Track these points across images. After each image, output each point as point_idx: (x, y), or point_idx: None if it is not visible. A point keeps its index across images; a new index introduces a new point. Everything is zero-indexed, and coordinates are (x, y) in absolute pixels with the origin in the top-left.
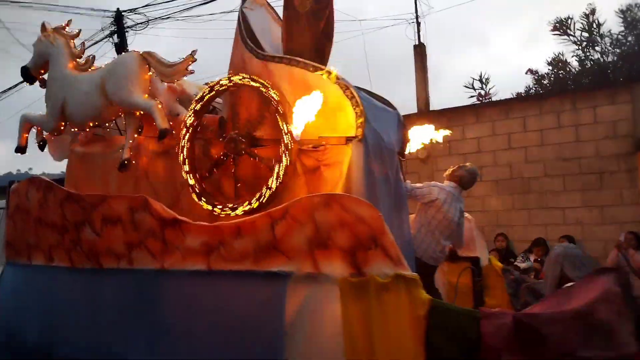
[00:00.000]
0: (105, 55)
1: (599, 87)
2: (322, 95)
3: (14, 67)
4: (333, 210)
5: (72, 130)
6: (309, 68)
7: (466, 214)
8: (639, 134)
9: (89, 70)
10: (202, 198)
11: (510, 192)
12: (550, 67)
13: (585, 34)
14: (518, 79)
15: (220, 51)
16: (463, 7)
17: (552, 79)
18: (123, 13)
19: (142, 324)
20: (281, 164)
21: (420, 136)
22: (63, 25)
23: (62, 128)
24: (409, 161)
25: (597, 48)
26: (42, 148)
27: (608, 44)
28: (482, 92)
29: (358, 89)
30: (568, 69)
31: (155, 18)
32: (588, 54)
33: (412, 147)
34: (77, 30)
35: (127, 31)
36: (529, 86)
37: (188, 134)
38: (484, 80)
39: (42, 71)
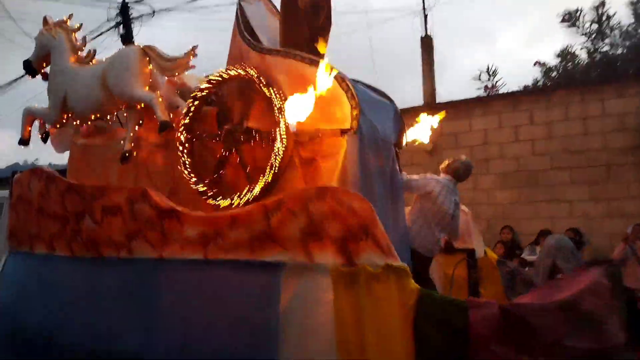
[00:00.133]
0: (110, 46)
1: (608, 80)
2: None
3: (20, 58)
4: (326, 202)
5: (74, 123)
6: (306, 61)
7: (462, 207)
8: None
9: (91, 63)
10: (211, 198)
11: (517, 185)
12: (559, 60)
13: (595, 26)
14: (526, 72)
15: (226, 42)
16: None
17: (560, 71)
18: (129, 4)
19: (141, 312)
20: (278, 151)
21: (422, 129)
22: (65, 18)
23: (64, 121)
24: (415, 153)
25: (606, 40)
26: (44, 140)
27: (618, 37)
28: (490, 85)
29: (354, 81)
30: (577, 62)
31: (161, 9)
32: (597, 46)
33: (421, 139)
34: (78, 24)
35: (132, 22)
36: (537, 79)
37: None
38: (491, 73)
39: (44, 64)
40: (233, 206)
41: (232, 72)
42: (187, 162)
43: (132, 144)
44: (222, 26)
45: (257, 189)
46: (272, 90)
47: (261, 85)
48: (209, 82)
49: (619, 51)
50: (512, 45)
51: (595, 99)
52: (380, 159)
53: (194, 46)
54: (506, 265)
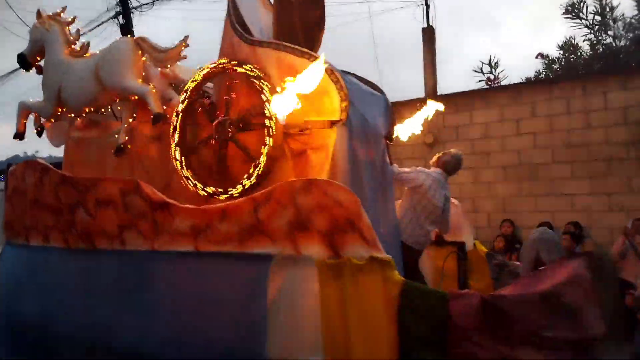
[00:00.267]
0: (110, 36)
1: (611, 73)
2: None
3: (19, 47)
4: (313, 194)
5: (69, 115)
6: (296, 53)
7: (453, 200)
8: None
9: (84, 56)
10: (198, 185)
11: (518, 179)
12: (561, 52)
13: (598, 18)
14: (528, 64)
15: None
16: None
17: (562, 63)
18: None
19: (133, 302)
20: (265, 149)
21: (417, 120)
22: (58, 11)
23: (59, 114)
24: (416, 146)
25: (609, 32)
26: (39, 134)
27: (621, 28)
28: (491, 77)
29: (345, 73)
30: (579, 54)
31: None
32: (600, 38)
33: (415, 131)
34: (72, 17)
35: (132, 12)
36: (539, 71)
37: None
38: (493, 65)
39: (39, 58)
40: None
41: (223, 64)
42: (187, 173)
43: (127, 137)
44: (222, 16)
45: (247, 183)
46: (262, 83)
47: (251, 78)
48: (200, 74)
49: (622, 43)
50: (514, 37)
51: (598, 91)
52: (370, 150)
53: (185, 37)
54: (495, 257)
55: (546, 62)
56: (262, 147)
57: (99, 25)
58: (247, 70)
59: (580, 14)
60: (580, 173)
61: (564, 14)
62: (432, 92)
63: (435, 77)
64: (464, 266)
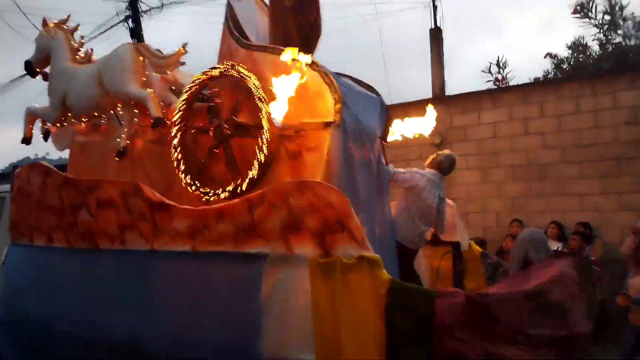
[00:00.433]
0: (120, 40)
1: (620, 72)
2: (302, 82)
3: (30, 51)
4: (305, 196)
5: (74, 121)
6: None
7: (448, 201)
8: None
9: (88, 62)
10: (199, 190)
11: (527, 179)
12: (570, 51)
13: (607, 17)
14: (537, 64)
15: None
16: None
17: (571, 63)
18: None
19: (132, 300)
20: (262, 148)
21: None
22: (63, 19)
23: (64, 119)
24: (423, 147)
25: (619, 31)
26: (45, 138)
27: (631, 27)
28: (500, 77)
29: (341, 75)
30: (588, 53)
31: (170, 2)
32: (609, 37)
33: (409, 134)
34: (76, 25)
35: (141, 16)
36: (548, 71)
37: (179, 134)
38: (501, 65)
39: (44, 65)
40: (220, 198)
41: (221, 69)
42: (178, 157)
43: (128, 141)
44: None
45: (244, 184)
46: (257, 87)
47: (248, 82)
48: (199, 79)
49: (632, 42)
50: (522, 37)
51: (607, 91)
52: (365, 151)
53: (184, 44)
54: (489, 257)
55: (555, 62)
56: (257, 149)
57: (109, 29)
58: (240, 73)
59: (590, 13)
60: (590, 173)
61: (573, 13)
62: (439, 92)
63: (443, 78)
64: (459, 266)
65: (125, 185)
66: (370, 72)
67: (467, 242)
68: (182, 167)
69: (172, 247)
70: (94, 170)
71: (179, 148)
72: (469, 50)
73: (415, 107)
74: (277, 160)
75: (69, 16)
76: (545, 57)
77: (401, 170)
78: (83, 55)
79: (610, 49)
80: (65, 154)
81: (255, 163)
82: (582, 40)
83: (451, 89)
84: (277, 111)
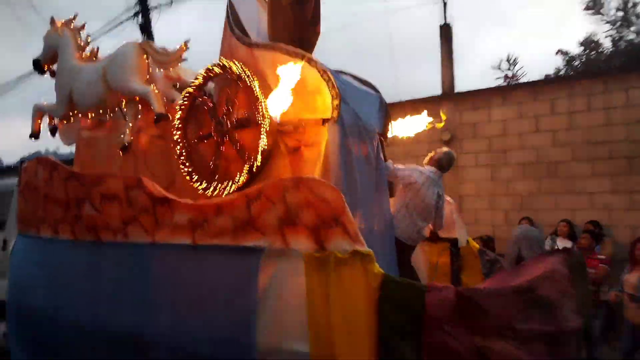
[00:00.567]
0: (130, 36)
1: (632, 69)
2: (302, 79)
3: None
4: (301, 191)
5: (80, 117)
6: (290, 53)
7: (447, 198)
8: None
9: (93, 60)
10: (198, 182)
11: (537, 177)
12: (582, 48)
13: (620, 13)
14: (548, 61)
15: None
16: None
17: (583, 60)
18: None
19: (134, 292)
20: (259, 149)
21: (415, 124)
22: (70, 18)
23: (70, 115)
24: (432, 143)
25: (632, 28)
26: (52, 134)
27: None
28: (510, 74)
29: (340, 72)
30: (600, 50)
31: None
32: (622, 34)
33: (404, 133)
34: (82, 23)
35: (151, 11)
36: (559, 67)
37: (180, 131)
38: (511, 61)
39: (52, 62)
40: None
41: (220, 66)
42: (185, 163)
43: (132, 136)
44: None
45: (242, 178)
46: (255, 84)
47: (247, 79)
48: (201, 75)
49: None
50: (533, 34)
51: (619, 88)
52: (364, 147)
53: (186, 41)
54: (486, 254)
55: (566, 58)
56: (257, 145)
57: (119, 24)
58: (240, 70)
59: (602, 10)
60: (601, 171)
61: (586, 9)
62: (449, 89)
63: (453, 75)
64: (457, 262)
65: (128, 179)
66: (379, 69)
67: (465, 238)
68: (190, 170)
69: (173, 240)
70: (99, 164)
71: (184, 149)
72: (480, 47)
73: (425, 104)
74: (277, 155)
75: (75, 15)
76: (556, 53)
77: (400, 166)
78: (89, 53)
79: (623, 45)
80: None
81: (259, 153)
82: (594, 36)
83: (461, 85)
84: (276, 108)
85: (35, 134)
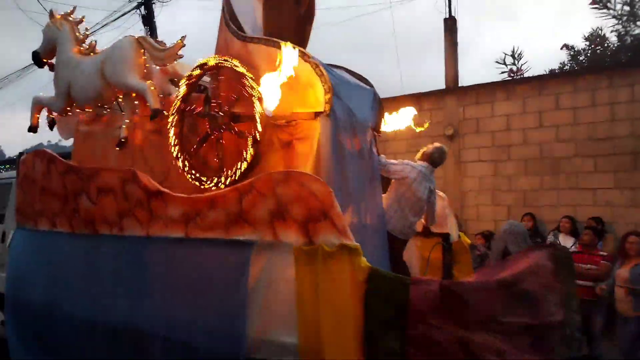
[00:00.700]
0: (132, 28)
1: (638, 64)
2: (294, 73)
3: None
4: (291, 185)
5: (78, 110)
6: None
7: (440, 192)
8: None
9: (92, 54)
10: (191, 175)
11: (540, 172)
12: (587, 43)
13: (627, 8)
14: (553, 55)
15: None
16: None
17: (588, 55)
18: None
19: (129, 284)
20: (251, 140)
21: (402, 118)
22: (69, 11)
23: (69, 109)
24: (435, 138)
25: (638, 23)
26: (51, 127)
27: None
28: (514, 68)
29: (333, 67)
30: (606, 45)
31: None
32: (628, 29)
33: (392, 127)
34: (81, 17)
35: (154, 3)
36: (564, 62)
37: (175, 119)
38: (516, 56)
39: (51, 55)
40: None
41: (215, 61)
42: (175, 143)
43: (128, 131)
44: None
45: (237, 172)
46: (248, 78)
47: (240, 73)
48: (196, 70)
49: None
50: (538, 28)
51: (624, 84)
52: (357, 141)
53: (183, 37)
54: (477, 249)
55: (571, 53)
56: (249, 139)
57: (121, 16)
58: (233, 65)
59: (608, 4)
60: (604, 167)
61: (591, 4)
62: (452, 83)
63: (457, 68)
64: (449, 256)
65: (124, 172)
66: (382, 62)
67: (457, 233)
68: (178, 153)
69: (167, 233)
70: (97, 158)
71: (176, 136)
72: (484, 41)
73: (429, 98)
74: (270, 149)
75: (74, 8)
76: (561, 48)
77: (393, 161)
78: (87, 47)
79: (629, 40)
80: None
81: (250, 150)
82: (600, 31)
83: (465, 79)
84: (269, 102)
85: (33, 128)
